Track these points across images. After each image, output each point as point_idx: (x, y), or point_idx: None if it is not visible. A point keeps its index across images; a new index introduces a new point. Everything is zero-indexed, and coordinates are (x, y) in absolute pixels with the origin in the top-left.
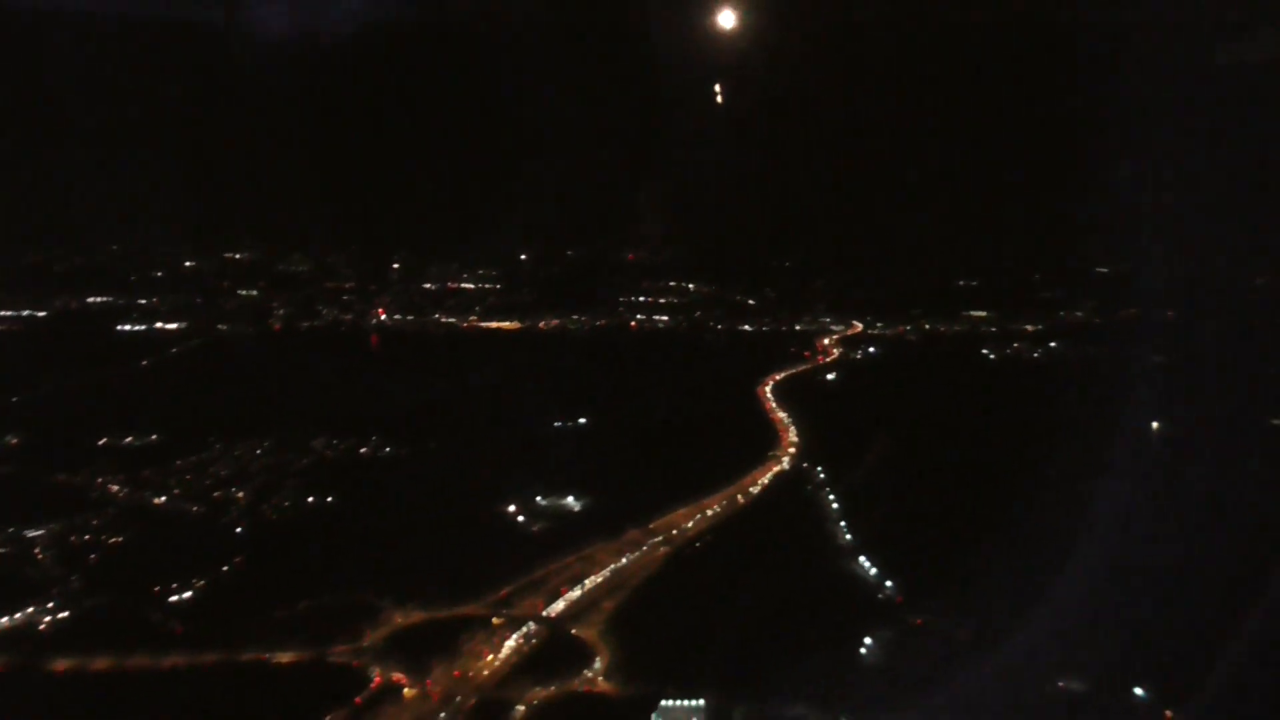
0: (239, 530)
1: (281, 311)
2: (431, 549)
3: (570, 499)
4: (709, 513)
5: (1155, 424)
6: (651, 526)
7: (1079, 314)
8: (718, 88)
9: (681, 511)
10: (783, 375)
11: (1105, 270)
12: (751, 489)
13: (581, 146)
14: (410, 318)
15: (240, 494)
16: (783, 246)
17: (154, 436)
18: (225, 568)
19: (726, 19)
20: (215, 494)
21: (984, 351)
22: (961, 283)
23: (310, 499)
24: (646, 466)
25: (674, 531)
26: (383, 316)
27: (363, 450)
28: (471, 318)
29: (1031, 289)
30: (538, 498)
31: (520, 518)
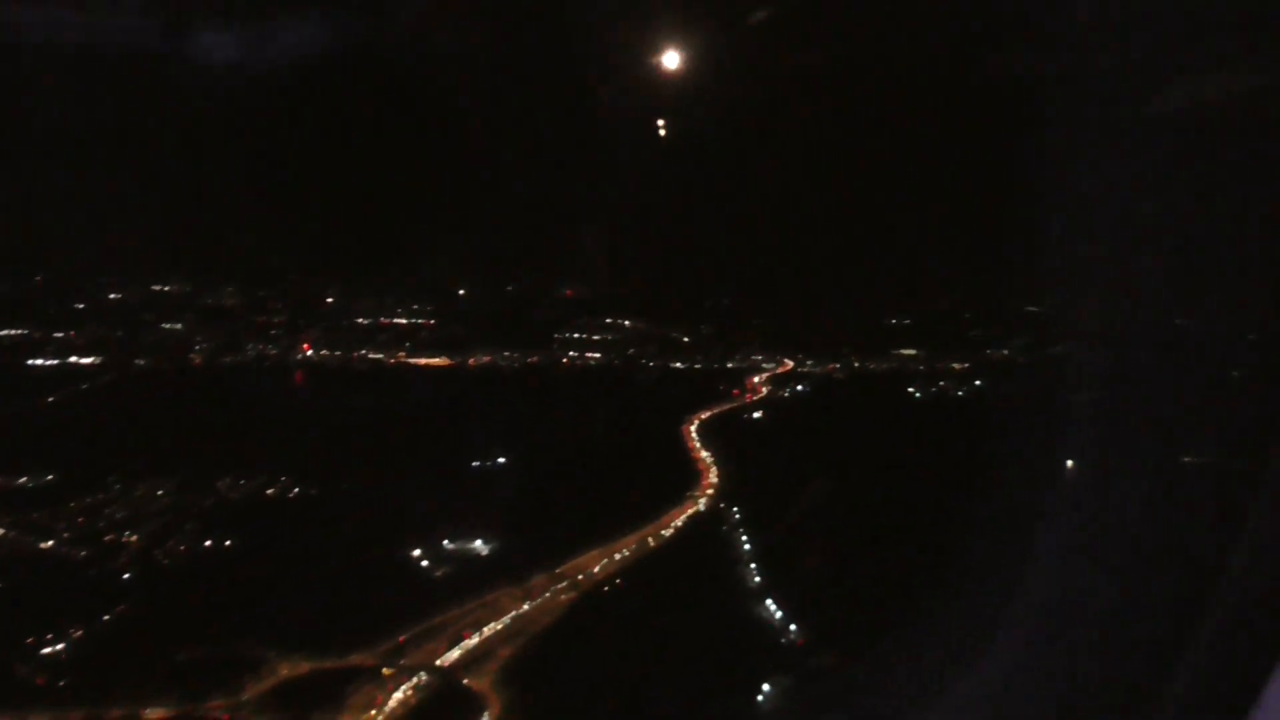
0: (126, 576)
1: (204, 346)
2: (328, 596)
3: (479, 542)
4: (619, 556)
5: (1070, 463)
6: (559, 571)
7: (1005, 352)
8: (661, 124)
9: (592, 554)
10: (709, 414)
11: (1035, 309)
12: (665, 531)
13: (524, 182)
14: (337, 353)
15: (133, 537)
16: (722, 283)
17: (50, 476)
18: (107, 617)
19: (670, 57)
20: (106, 538)
21: (910, 390)
22: (894, 320)
23: (207, 543)
24: (562, 508)
25: (580, 576)
26: (308, 352)
27: (269, 491)
28: (400, 353)
29: (961, 327)
30: (445, 541)
31: (424, 562)
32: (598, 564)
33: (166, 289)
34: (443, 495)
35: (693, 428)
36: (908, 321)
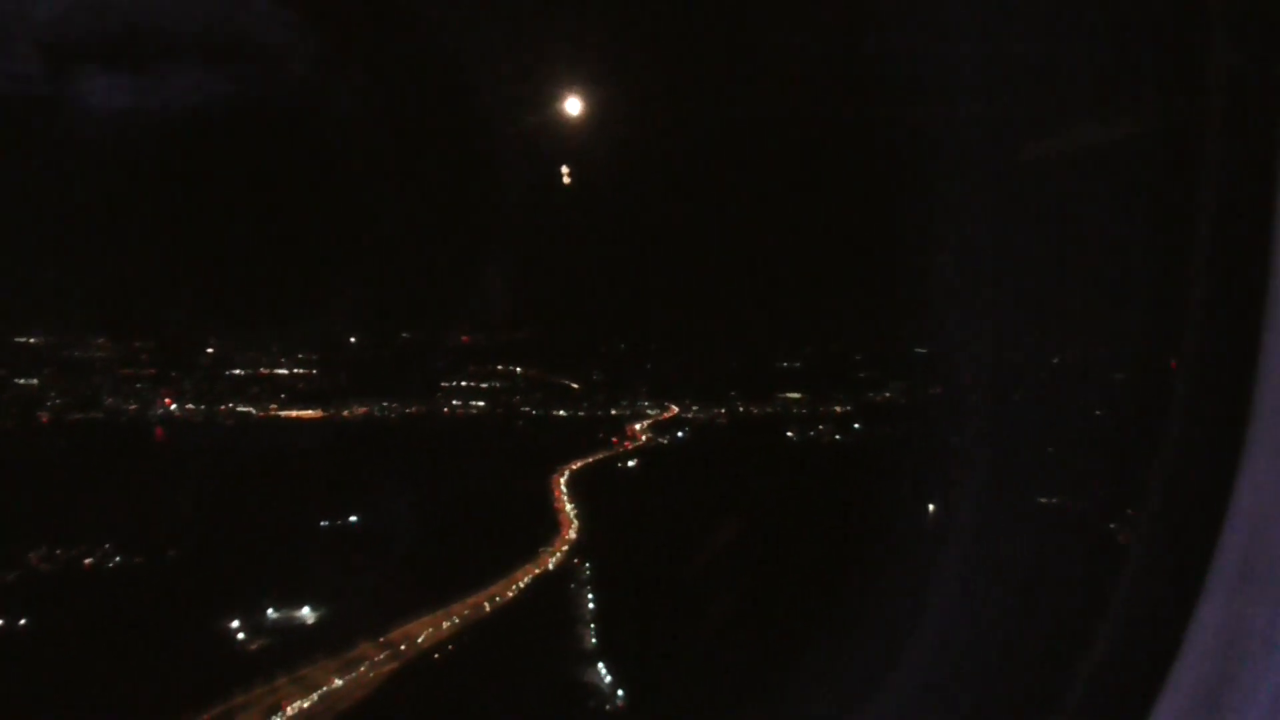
0: None
1: (57, 401)
2: (126, 676)
3: (306, 610)
4: (456, 619)
5: (931, 507)
6: (385, 639)
7: (887, 394)
8: (564, 170)
9: (426, 619)
10: (581, 463)
11: (923, 350)
12: (510, 590)
13: (423, 229)
14: (203, 406)
15: None
16: (622, 329)
17: None
18: None
19: (573, 104)
20: None
21: (788, 434)
22: (785, 364)
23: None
24: (405, 568)
25: (405, 645)
26: (170, 405)
27: (87, 561)
28: (272, 406)
29: (849, 369)
30: (269, 610)
31: (241, 634)
32: (430, 629)
33: (31, 340)
34: (280, 559)
35: (562, 478)
36: (798, 365)
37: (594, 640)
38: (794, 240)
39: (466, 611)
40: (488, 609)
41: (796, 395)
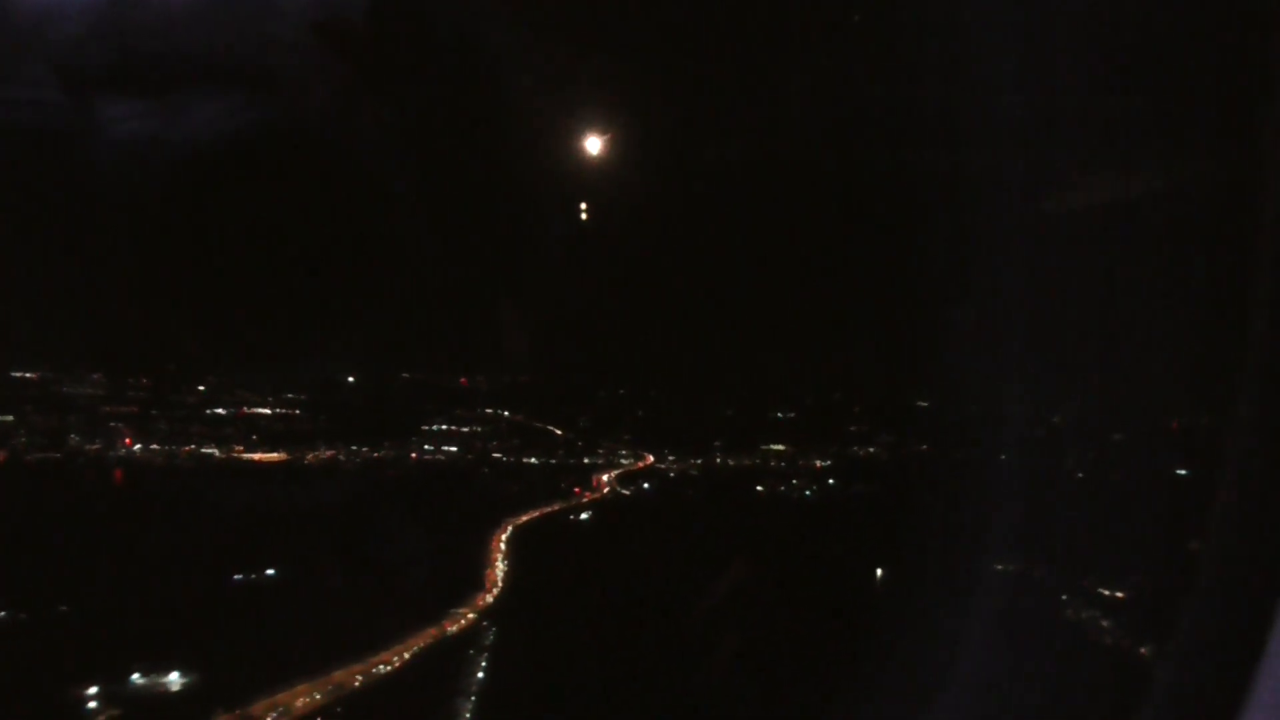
0: None
1: (23, 440)
2: None
3: (175, 675)
4: (332, 687)
5: (879, 572)
6: (248, 711)
7: (871, 449)
8: (582, 208)
9: (301, 687)
10: (533, 515)
11: (924, 404)
12: (404, 654)
13: (436, 267)
14: (168, 447)
15: None
16: (624, 375)
17: None
18: None
19: (591, 145)
20: None
21: (758, 488)
22: (780, 415)
23: None
24: (298, 629)
25: (271, 717)
26: (131, 446)
27: None
28: (238, 448)
29: (843, 422)
30: (135, 675)
31: (93, 703)
32: (303, 698)
33: (28, 375)
34: (176, 616)
35: (506, 532)
36: (792, 415)
37: (467, 716)
38: (807, 289)
39: (347, 680)
40: (379, 672)
41: (781, 448)
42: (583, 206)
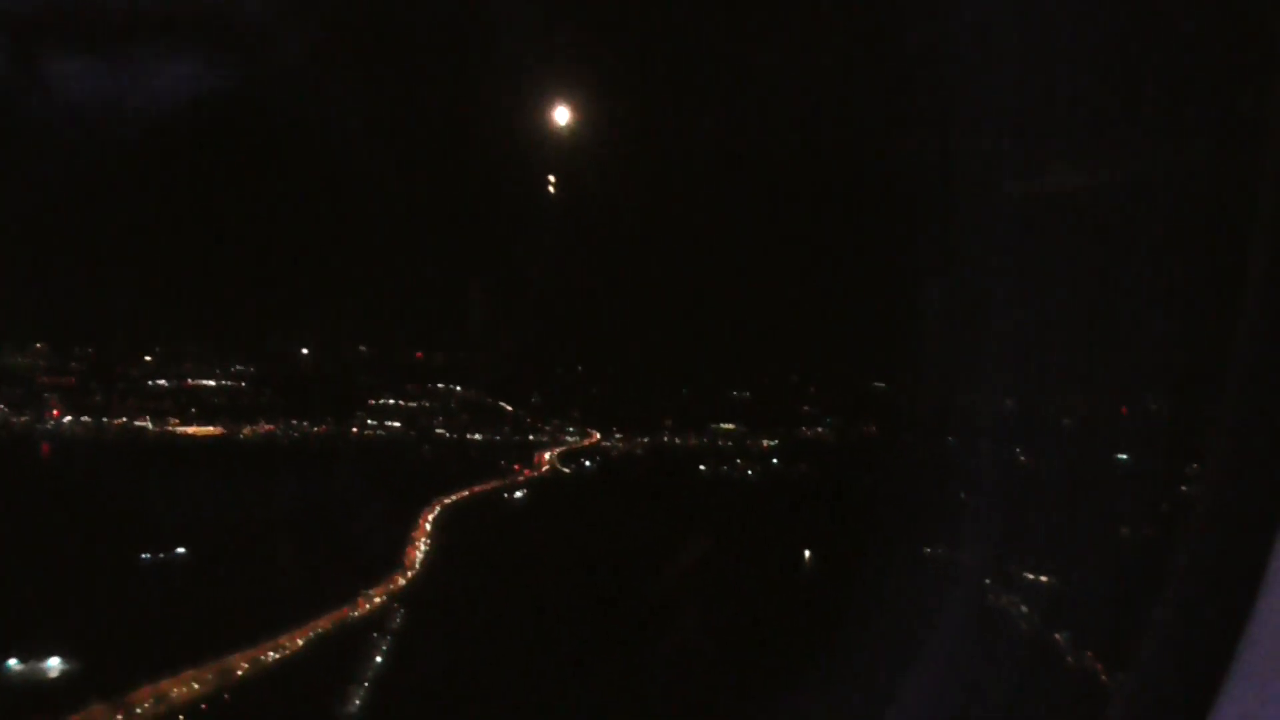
0: None
1: None
2: None
3: (56, 661)
4: (218, 675)
5: (807, 554)
6: (125, 699)
7: (820, 429)
8: (550, 180)
9: (187, 673)
10: (465, 493)
11: (882, 385)
12: (303, 638)
13: (400, 241)
14: (101, 420)
15: None
16: (588, 351)
17: None
18: None
19: (560, 118)
20: None
21: (700, 467)
22: (735, 393)
23: None
24: (198, 611)
25: (143, 708)
26: (58, 418)
27: None
28: (173, 421)
29: (797, 403)
30: (12, 661)
31: None
32: (183, 687)
33: None
34: (71, 597)
35: (434, 512)
36: (747, 394)
37: (357, 702)
38: (774, 271)
39: (236, 665)
40: (271, 658)
41: (731, 426)
42: (551, 181)
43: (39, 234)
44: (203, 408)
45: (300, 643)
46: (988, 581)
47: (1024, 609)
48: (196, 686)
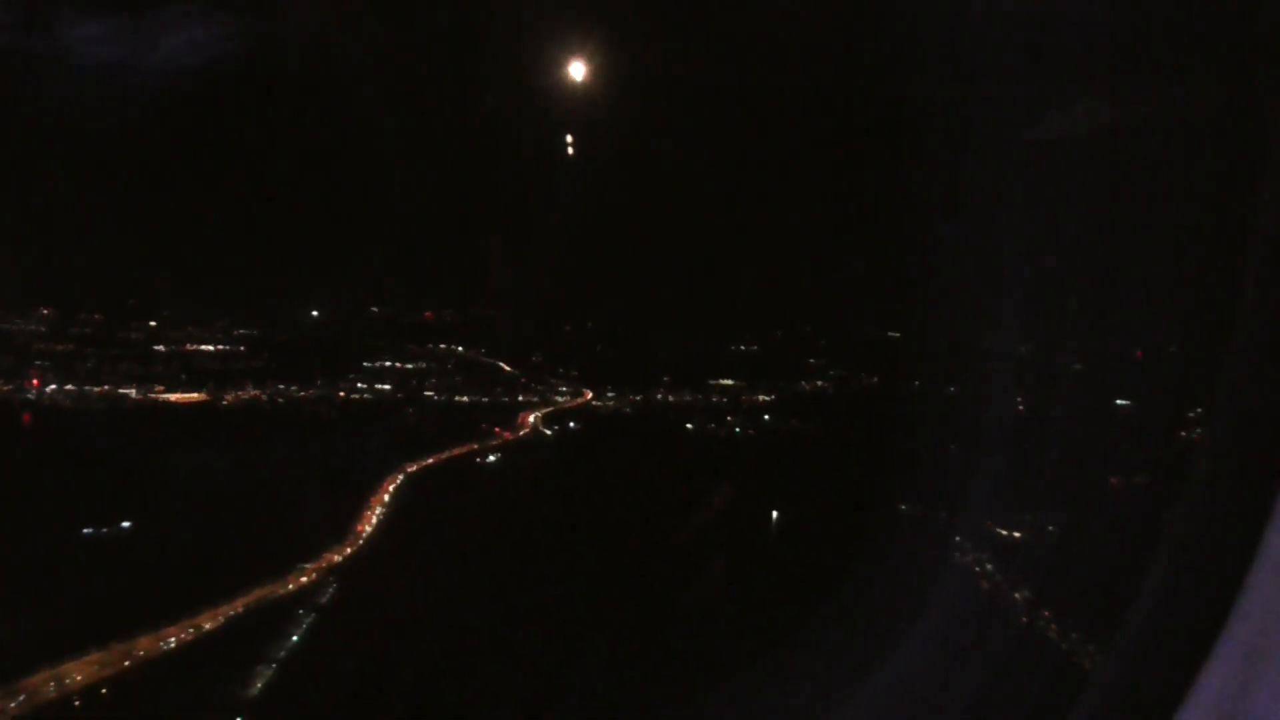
0: None
1: None
2: None
3: None
4: (124, 656)
5: (775, 514)
6: (25, 682)
7: (820, 383)
8: (569, 141)
9: (93, 655)
10: (439, 458)
11: (896, 335)
12: (223, 615)
13: (413, 203)
14: (85, 387)
15: None
16: (597, 309)
17: None
18: None
19: (572, 83)
20: None
21: (686, 425)
22: (742, 348)
23: None
24: (124, 587)
25: (46, 689)
26: (39, 387)
27: None
28: (159, 387)
29: (803, 355)
30: None
31: None
32: (85, 670)
33: None
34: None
35: (397, 480)
36: (754, 348)
37: (261, 685)
38: (790, 222)
39: (147, 645)
40: (184, 638)
41: (730, 382)
42: (567, 140)
43: (49, 198)
44: (194, 373)
45: (217, 621)
46: (957, 539)
47: (989, 566)
48: (98, 669)
